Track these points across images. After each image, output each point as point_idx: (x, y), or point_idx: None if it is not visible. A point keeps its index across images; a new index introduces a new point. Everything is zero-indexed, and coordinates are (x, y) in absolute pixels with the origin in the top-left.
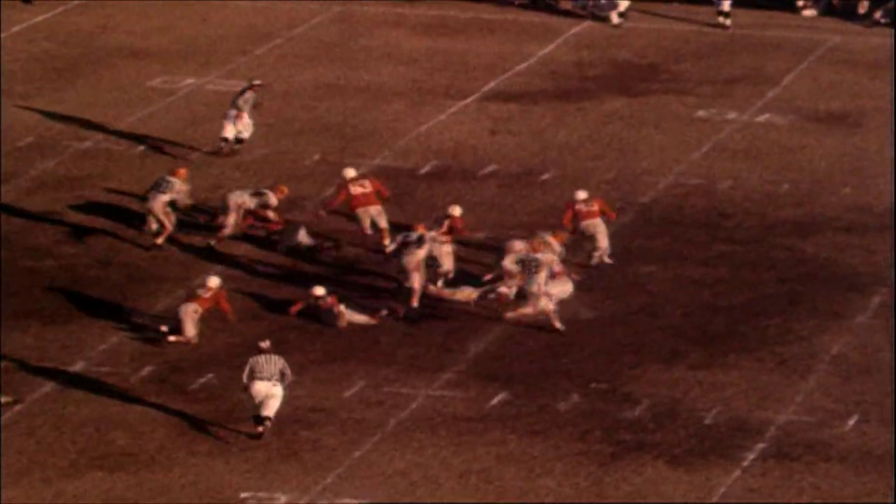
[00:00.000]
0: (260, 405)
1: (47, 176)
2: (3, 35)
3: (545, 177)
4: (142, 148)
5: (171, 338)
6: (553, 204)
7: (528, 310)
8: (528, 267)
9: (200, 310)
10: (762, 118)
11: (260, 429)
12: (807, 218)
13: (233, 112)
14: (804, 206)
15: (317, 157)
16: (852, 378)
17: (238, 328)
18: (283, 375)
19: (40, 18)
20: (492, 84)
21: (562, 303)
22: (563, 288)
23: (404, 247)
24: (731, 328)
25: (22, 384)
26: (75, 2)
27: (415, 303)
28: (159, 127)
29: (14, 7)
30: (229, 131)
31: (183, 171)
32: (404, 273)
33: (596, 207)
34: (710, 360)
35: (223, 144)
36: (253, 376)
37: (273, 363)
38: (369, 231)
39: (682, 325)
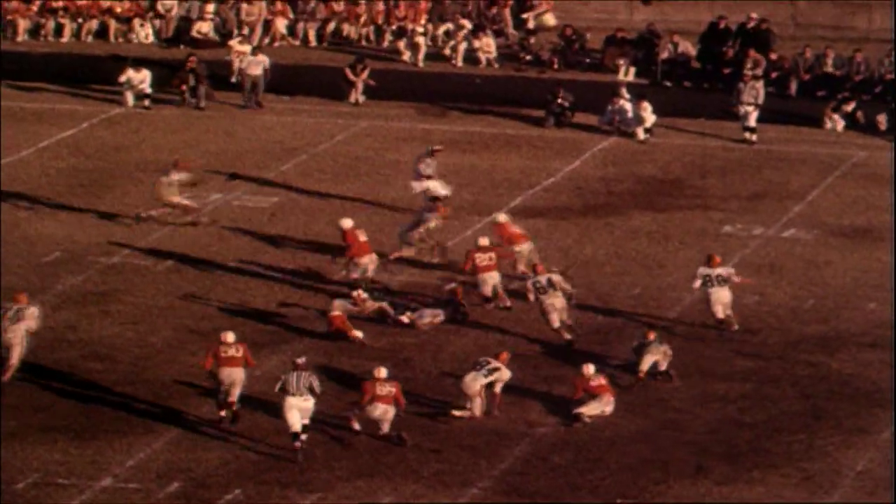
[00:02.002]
0: (294, 421)
1: (74, 291)
2: (29, 151)
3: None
4: (168, 263)
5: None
6: (583, 322)
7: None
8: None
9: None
10: (787, 233)
11: (297, 444)
12: (831, 333)
13: (422, 181)
14: (829, 321)
15: (343, 273)
16: (878, 494)
17: (263, 445)
18: (312, 390)
19: (67, 133)
20: (518, 200)
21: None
22: (605, 408)
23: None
24: (755, 444)
25: (49, 500)
26: (101, 117)
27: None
28: (185, 242)
29: (42, 122)
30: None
31: None
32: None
33: (604, 382)
34: (735, 476)
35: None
36: (285, 391)
37: (304, 379)
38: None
39: (706, 441)
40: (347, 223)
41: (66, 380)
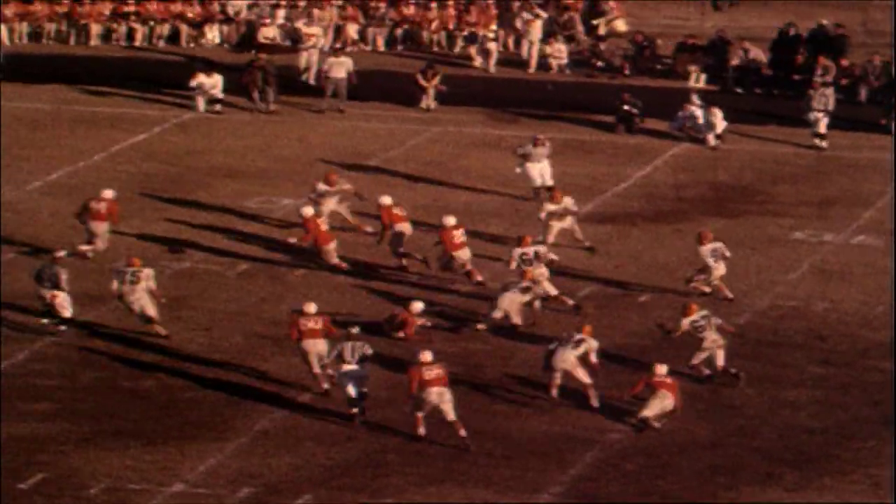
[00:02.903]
0: (351, 388)
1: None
2: (102, 155)
3: (643, 298)
4: (240, 268)
5: None
6: (649, 327)
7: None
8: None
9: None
10: (857, 240)
11: (354, 410)
12: None
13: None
14: None
15: (415, 279)
16: None
17: (333, 451)
18: (365, 358)
19: (139, 138)
20: (589, 206)
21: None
22: (664, 402)
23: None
24: (825, 450)
25: None
26: (173, 122)
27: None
28: (258, 247)
29: (114, 127)
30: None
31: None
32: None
33: (669, 381)
34: (805, 483)
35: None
36: (341, 359)
37: (358, 348)
38: None
39: (776, 448)
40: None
41: (137, 385)
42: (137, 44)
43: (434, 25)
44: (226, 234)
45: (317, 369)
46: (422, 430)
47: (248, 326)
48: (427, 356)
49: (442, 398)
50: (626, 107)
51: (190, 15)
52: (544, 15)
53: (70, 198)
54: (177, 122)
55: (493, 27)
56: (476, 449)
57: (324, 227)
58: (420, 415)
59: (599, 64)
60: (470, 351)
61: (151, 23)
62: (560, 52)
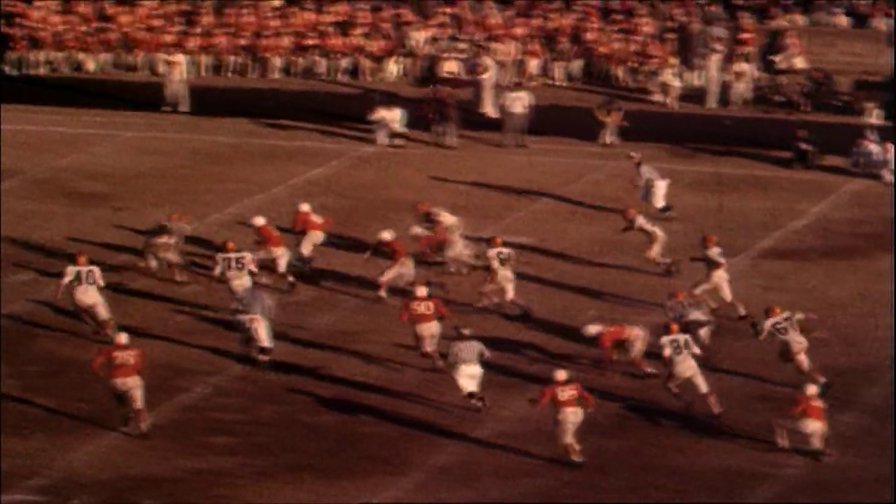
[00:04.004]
0: (466, 385)
1: (323, 329)
2: (280, 188)
3: (817, 334)
4: None
5: None
6: (827, 364)
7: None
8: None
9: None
10: None
11: (474, 401)
12: None
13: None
14: None
15: (591, 312)
16: None
17: (509, 486)
18: (482, 356)
19: (318, 171)
20: (766, 241)
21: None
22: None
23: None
24: None
25: None
26: (352, 155)
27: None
28: (448, 279)
29: (293, 160)
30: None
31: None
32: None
33: (819, 405)
34: None
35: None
36: (458, 360)
37: (474, 348)
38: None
39: None
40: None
41: (316, 419)
42: (318, 77)
43: (614, 60)
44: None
45: (429, 348)
46: (577, 458)
47: (424, 361)
48: (562, 375)
49: (575, 419)
50: (801, 143)
51: (371, 49)
52: (723, 50)
53: (248, 231)
54: (357, 156)
55: (674, 62)
56: (648, 483)
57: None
58: (568, 442)
59: (778, 99)
60: (647, 385)
61: (332, 56)
62: (739, 87)
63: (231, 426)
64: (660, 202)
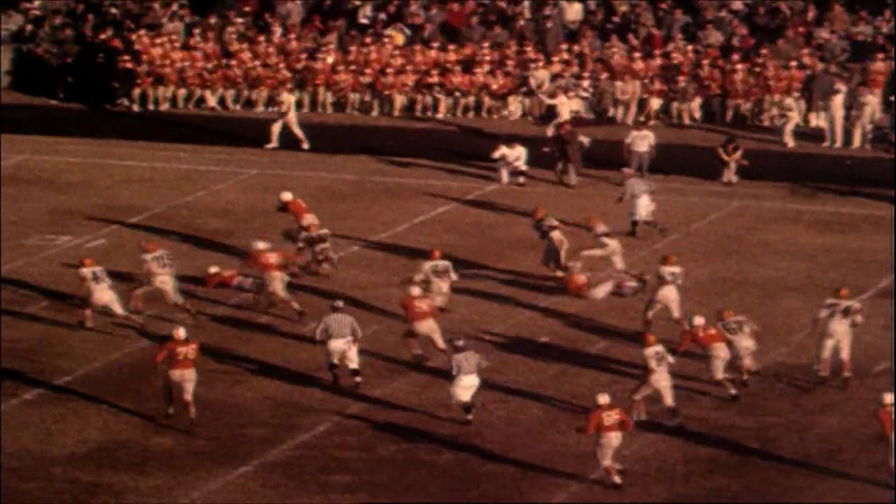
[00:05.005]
0: (462, 396)
1: (440, 368)
2: (404, 226)
3: None
4: (540, 341)
5: None
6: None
7: None
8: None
9: None
10: None
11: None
12: None
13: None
14: None
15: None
16: None
17: None
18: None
19: (441, 210)
20: (885, 281)
21: None
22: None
23: None
24: None
25: None
26: (476, 193)
27: None
28: (557, 320)
29: (416, 199)
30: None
31: None
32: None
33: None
34: None
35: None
36: (460, 370)
37: (473, 359)
38: None
39: None
40: None
41: (435, 458)
42: (441, 115)
43: (736, 98)
44: (528, 308)
45: (441, 345)
46: (618, 479)
47: (547, 399)
48: (605, 399)
49: (618, 442)
50: None
51: (494, 87)
52: (845, 88)
53: (370, 269)
54: (480, 194)
55: (791, 101)
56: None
57: None
58: (609, 464)
59: None
60: (765, 424)
61: (455, 94)
62: (861, 127)
63: (351, 463)
64: (643, 216)
